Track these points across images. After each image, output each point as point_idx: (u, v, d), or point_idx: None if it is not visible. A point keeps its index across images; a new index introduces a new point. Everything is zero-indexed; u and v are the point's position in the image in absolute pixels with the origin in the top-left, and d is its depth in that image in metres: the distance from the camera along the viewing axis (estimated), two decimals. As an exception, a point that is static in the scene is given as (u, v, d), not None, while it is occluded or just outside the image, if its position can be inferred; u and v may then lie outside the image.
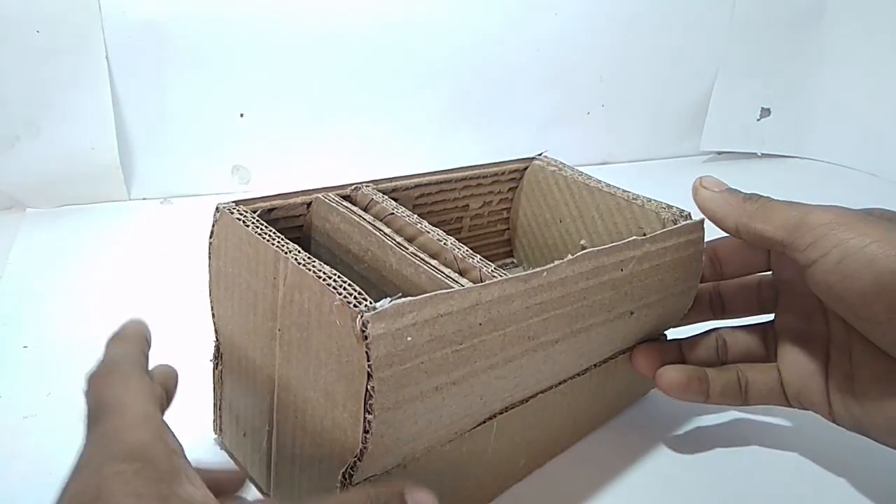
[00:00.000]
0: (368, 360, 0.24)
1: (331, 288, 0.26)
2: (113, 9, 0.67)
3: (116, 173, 0.72)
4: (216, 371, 0.37)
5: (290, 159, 0.80)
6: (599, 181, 0.46)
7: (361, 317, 0.24)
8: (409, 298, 0.25)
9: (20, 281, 0.56)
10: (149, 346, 0.31)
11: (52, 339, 0.48)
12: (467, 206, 0.48)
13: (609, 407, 0.43)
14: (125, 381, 0.26)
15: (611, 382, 0.41)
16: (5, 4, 0.63)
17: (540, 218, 0.49)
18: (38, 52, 0.65)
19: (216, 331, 0.35)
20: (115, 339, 0.30)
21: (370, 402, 0.25)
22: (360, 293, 0.25)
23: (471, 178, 0.46)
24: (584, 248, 0.46)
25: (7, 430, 0.40)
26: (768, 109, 1.02)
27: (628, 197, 0.44)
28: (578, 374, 0.37)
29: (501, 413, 0.33)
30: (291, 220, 0.37)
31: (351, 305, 0.25)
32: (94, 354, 0.47)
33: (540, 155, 0.50)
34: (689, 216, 0.41)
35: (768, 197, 0.36)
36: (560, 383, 0.36)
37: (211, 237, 0.33)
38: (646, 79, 0.96)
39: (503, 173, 0.48)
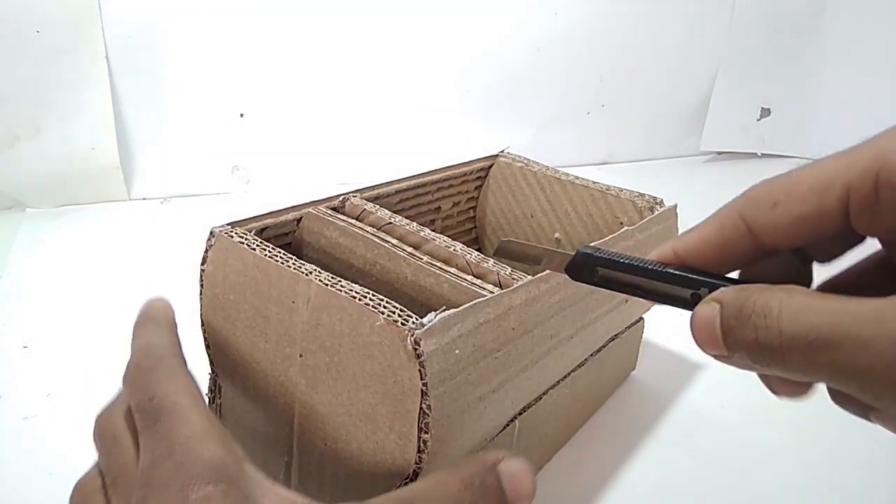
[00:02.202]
0: (423, 378, 0.23)
1: (370, 307, 0.25)
2: (113, 9, 0.67)
3: (116, 173, 0.72)
4: (213, 405, 0.34)
5: (290, 159, 0.80)
6: (568, 174, 0.46)
7: (412, 335, 0.23)
8: (453, 310, 0.25)
9: (20, 281, 0.56)
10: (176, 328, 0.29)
11: (52, 339, 0.48)
12: (439, 208, 0.48)
13: (602, 392, 0.44)
14: (173, 377, 0.25)
15: (604, 368, 0.42)
16: (5, 4, 0.63)
17: (509, 214, 0.49)
18: (38, 52, 0.65)
19: (211, 362, 0.33)
20: (146, 322, 0.28)
21: (426, 420, 0.24)
22: (402, 310, 0.24)
23: (443, 180, 0.46)
24: (558, 240, 0.47)
25: (7, 430, 0.40)
26: (768, 109, 1.02)
27: (602, 188, 0.44)
28: (580, 366, 0.38)
29: (521, 413, 0.33)
30: (281, 238, 0.36)
31: (398, 324, 0.24)
32: (94, 355, 0.47)
33: (503, 152, 0.50)
34: (662, 203, 0.42)
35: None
36: (566, 376, 0.36)
37: (203, 264, 0.31)
38: (646, 79, 0.96)
39: (470, 173, 0.48)
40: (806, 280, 0.22)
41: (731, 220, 0.21)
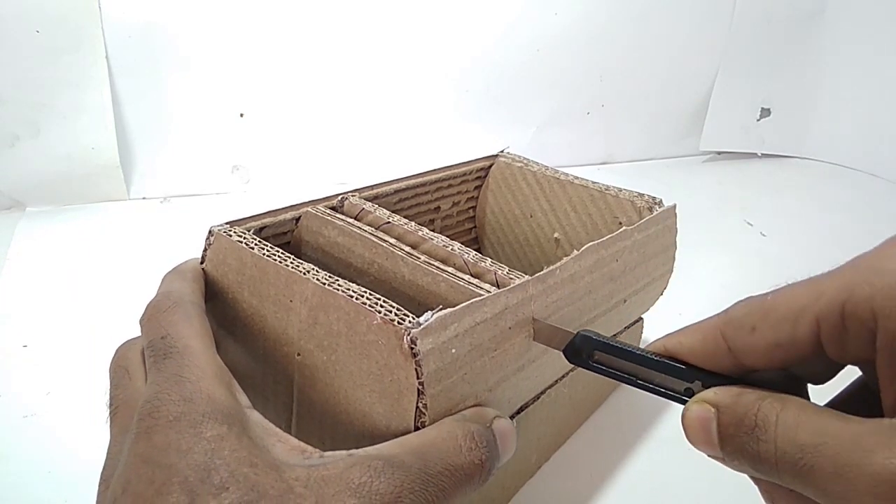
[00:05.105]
0: (419, 378, 0.23)
1: (367, 306, 0.25)
2: (113, 9, 0.68)
3: (116, 173, 0.72)
4: None
5: (290, 159, 0.80)
6: (567, 174, 0.46)
7: (409, 333, 0.23)
8: (450, 310, 0.25)
9: (20, 280, 0.57)
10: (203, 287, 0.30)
11: (52, 338, 0.48)
12: (438, 207, 0.47)
13: (601, 392, 0.44)
14: (188, 321, 0.25)
15: None
16: (5, 4, 0.63)
17: (509, 214, 0.49)
18: (38, 52, 0.65)
19: None
20: (173, 273, 0.30)
21: (422, 419, 0.24)
22: (399, 309, 0.25)
23: (442, 180, 0.46)
24: (557, 240, 0.47)
25: (7, 429, 0.40)
26: (768, 109, 1.02)
27: (601, 188, 0.44)
28: None
29: (519, 413, 0.33)
30: (280, 238, 0.36)
31: (394, 323, 0.24)
32: (93, 354, 0.47)
33: (503, 151, 0.50)
34: (661, 203, 0.42)
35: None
36: (563, 376, 0.36)
37: (202, 263, 0.31)
38: (646, 79, 0.96)
39: (469, 172, 0.48)
40: (801, 392, 0.22)
41: (714, 336, 0.22)
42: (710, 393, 0.21)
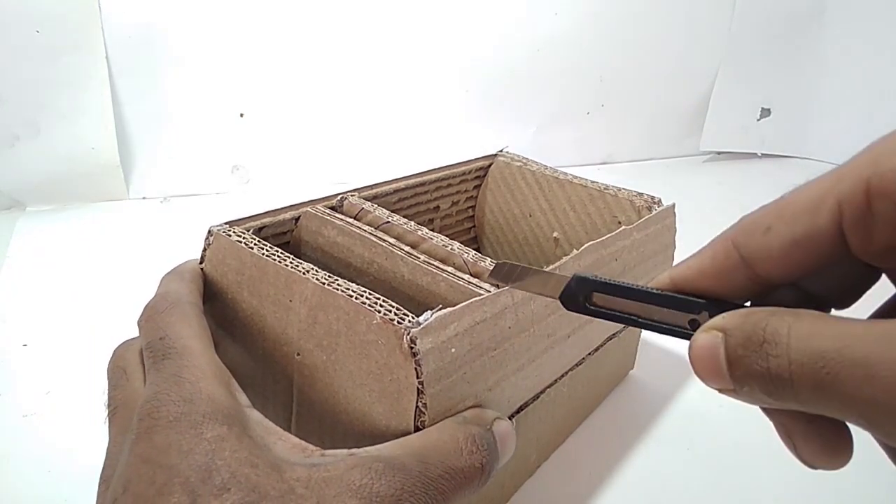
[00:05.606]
0: (419, 377, 0.23)
1: (366, 306, 0.25)
2: (112, 9, 0.68)
3: (116, 172, 0.72)
4: None
5: (289, 159, 0.80)
6: (567, 174, 0.46)
7: (408, 333, 0.23)
8: (450, 309, 0.25)
9: (20, 279, 0.57)
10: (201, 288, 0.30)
11: (52, 338, 0.48)
12: (438, 207, 0.47)
13: (600, 391, 0.44)
14: (187, 321, 0.25)
15: (602, 367, 0.42)
16: (5, 4, 0.63)
17: (508, 213, 0.49)
18: (38, 52, 0.65)
19: None
20: (171, 274, 0.30)
21: (421, 419, 0.24)
22: (399, 309, 0.25)
23: (442, 179, 0.46)
24: (556, 240, 0.47)
25: (6, 428, 0.40)
26: (768, 109, 1.02)
27: (600, 187, 0.44)
28: (577, 365, 0.38)
29: (518, 412, 0.33)
30: (279, 237, 0.36)
31: (394, 322, 0.24)
32: (93, 353, 0.47)
33: (502, 151, 0.50)
34: (660, 202, 0.42)
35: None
36: (563, 375, 0.36)
37: (202, 263, 0.31)
38: (646, 79, 0.96)
39: (469, 172, 0.48)
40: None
41: (725, 248, 0.20)
42: (718, 319, 0.18)
